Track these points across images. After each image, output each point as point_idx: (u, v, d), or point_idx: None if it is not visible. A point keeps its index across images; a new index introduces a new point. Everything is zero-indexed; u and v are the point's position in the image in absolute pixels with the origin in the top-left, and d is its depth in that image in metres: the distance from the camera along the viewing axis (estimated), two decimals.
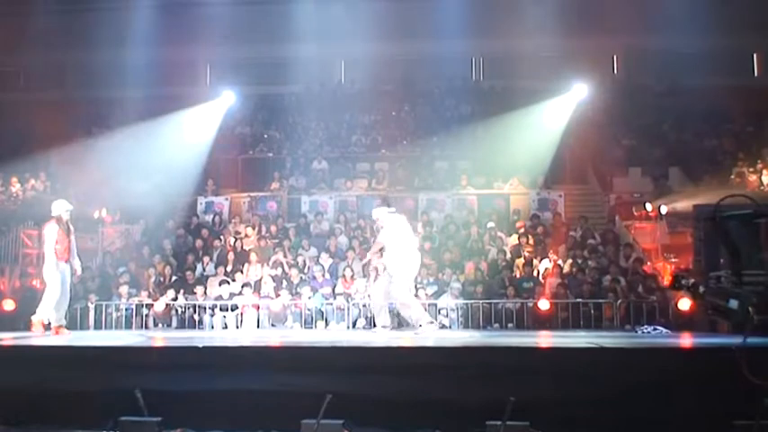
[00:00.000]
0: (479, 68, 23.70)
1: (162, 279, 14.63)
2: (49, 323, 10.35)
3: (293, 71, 21.79)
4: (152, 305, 13.70)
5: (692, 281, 5.74)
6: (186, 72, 22.83)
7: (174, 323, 13.75)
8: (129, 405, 6.21)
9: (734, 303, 5.45)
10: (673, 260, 14.62)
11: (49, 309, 10.24)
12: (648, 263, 14.60)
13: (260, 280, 14.19)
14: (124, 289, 14.06)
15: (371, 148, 20.39)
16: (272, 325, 13.58)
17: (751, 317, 5.33)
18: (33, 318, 10.33)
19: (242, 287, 13.92)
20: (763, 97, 20.49)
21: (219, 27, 20.71)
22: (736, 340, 6.51)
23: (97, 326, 13.29)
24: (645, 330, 11.33)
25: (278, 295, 13.65)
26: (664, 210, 15.73)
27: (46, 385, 6.53)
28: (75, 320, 12.35)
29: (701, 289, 5.78)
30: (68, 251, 10.53)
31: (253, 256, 14.81)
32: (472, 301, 13.53)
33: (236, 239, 15.71)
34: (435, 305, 13.54)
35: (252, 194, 18.16)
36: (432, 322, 10.92)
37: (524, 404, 5.81)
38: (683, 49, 20.15)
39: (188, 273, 14.67)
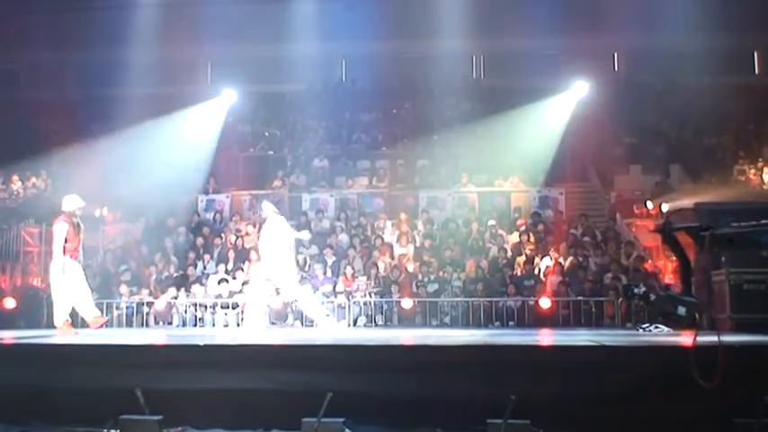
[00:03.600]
0: (480, 66, 23.70)
1: (163, 277, 14.64)
2: (71, 321, 10.16)
3: (294, 69, 21.80)
4: (153, 303, 13.71)
5: (643, 290, 6.10)
6: (187, 70, 22.83)
7: (175, 321, 13.77)
8: (130, 403, 6.20)
9: (682, 310, 5.83)
10: (674, 258, 14.62)
11: (65, 308, 10.06)
12: (649, 261, 14.60)
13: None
14: (125, 287, 14.07)
15: (372, 146, 20.41)
16: (273, 323, 13.59)
17: (698, 322, 5.78)
18: (56, 323, 10.18)
19: (242, 285, 13.93)
20: (764, 95, 20.50)
21: (220, 25, 20.68)
22: (736, 338, 6.53)
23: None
24: (646, 328, 11.32)
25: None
26: (665, 207, 15.73)
27: (46, 383, 6.52)
28: (75, 319, 12.33)
29: (652, 297, 6.19)
30: (78, 250, 10.37)
31: (253, 255, 14.82)
32: (473, 299, 13.56)
33: (236, 237, 15.72)
34: (436, 303, 13.57)
35: (253, 192, 18.16)
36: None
37: (525, 402, 5.80)
38: (683, 47, 20.14)
39: (189, 271, 14.68)
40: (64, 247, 10.06)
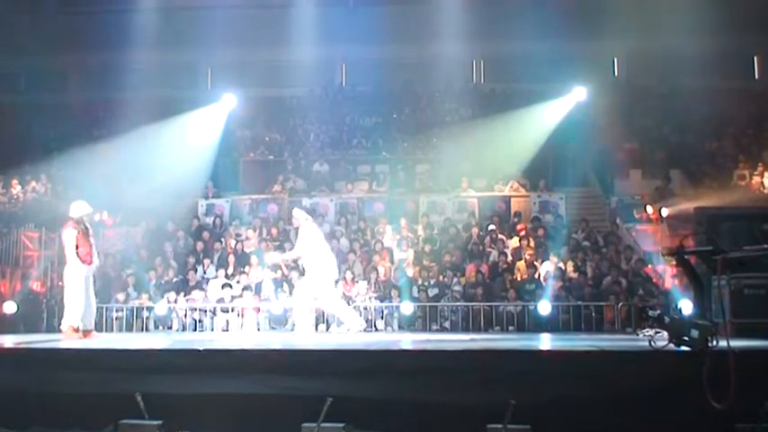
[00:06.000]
0: (480, 71, 23.72)
1: (162, 281, 14.62)
2: (78, 327, 10.08)
3: (294, 74, 21.83)
4: (153, 307, 13.70)
5: (657, 312, 6.33)
6: (187, 75, 22.86)
7: (175, 326, 13.75)
8: (130, 408, 6.20)
9: (695, 333, 6.13)
10: (674, 263, 14.59)
11: (76, 313, 10.07)
12: (650, 265, 14.58)
13: (260, 282, 14.20)
14: (122, 294, 14.05)
15: (372, 150, 20.40)
16: (273, 327, 13.58)
17: (710, 345, 5.97)
18: (62, 326, 10.17)
19: (242, 290, 13.92)
20: (764, 100, 20.53)
21: (221, 30, 20.71)
22: (737, 343, 6.53)
23: (97, 328, 13.24)
24: (646, 333, 11.29)
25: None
26: (665, 212, 15.74)
27: (46, 388, 6.52)
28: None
29: (666, 320, 6.60)
30: (91, 254, 10.38)
31: (253, 259, 14.82)
32: (473, 303, 13.55)
33: (236, 242, 15.72)
34: (436, 308, 13.55)
35: (253, 197, 18.16)
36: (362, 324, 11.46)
37: (525, 407, 5.80)
38: (683, 51, 20.14)
39: (189, 275, 14.67)
40: (77, 253, 10.11)
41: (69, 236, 10.18)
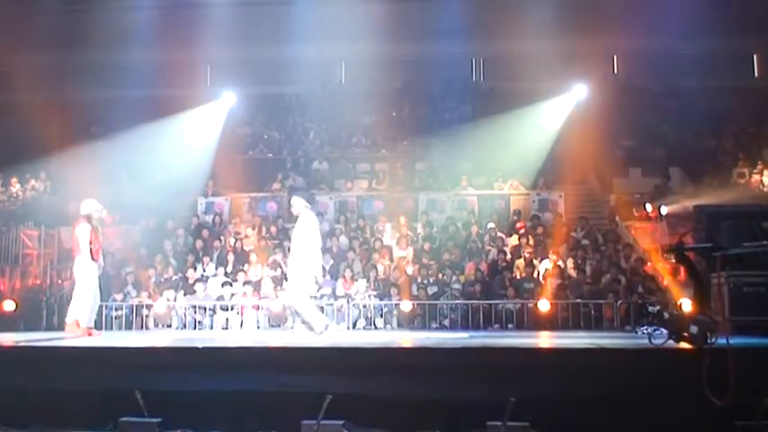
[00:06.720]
0: (479, 69, 23.71)
1: (162, 279, 14.62)
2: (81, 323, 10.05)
3: (294, 72, 21.79)
4: (152, 305, 13.70)
5: (657, 308, 6.42)
6: (187, 73, 22.82)
7: (174, 324, 13.75)
8: (129, 406, 6.21)
9: (694, 329, 6.21)
10: (673, 261, 14.61)
11: (83, 309, 10.06)
12: (649, 263, 14.59)
13: (260, 280, 14.20)
14: (125, 289, 14.06)
15: (372, 148, 20.40)
16: (272, 325, 13.58)
17: (708, 342, 6.04)
18: (67, 319, 10.16)
19: (243, 286, 13.93)
20: (764, 98, 20.50)
21: (220, 28, 20.66)
22: (736, 341, 6.53)
23: (97, 326, 13.22)
24: (645, 331, 11.30)
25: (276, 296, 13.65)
26: (664, 210, 15.75)
27: (46, 386, 6.52)
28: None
29: (666, 316, 6.72)
30: (99, 252, 10.39)
31: (253, 257, 14.82)
32: (472, 301, 13.55)
33: (236, 240, 15.72)
34: (435, 305, 13.56)
35: (252, 195, 18.14)
36: (328, 326, 10.46)
37: (524, 405, 5.81)
38: (683, 49, 20.16)
39: (188, 273, 14.66)
40: (90, 249, 10.11)
41: (83, 231, 10.17)
